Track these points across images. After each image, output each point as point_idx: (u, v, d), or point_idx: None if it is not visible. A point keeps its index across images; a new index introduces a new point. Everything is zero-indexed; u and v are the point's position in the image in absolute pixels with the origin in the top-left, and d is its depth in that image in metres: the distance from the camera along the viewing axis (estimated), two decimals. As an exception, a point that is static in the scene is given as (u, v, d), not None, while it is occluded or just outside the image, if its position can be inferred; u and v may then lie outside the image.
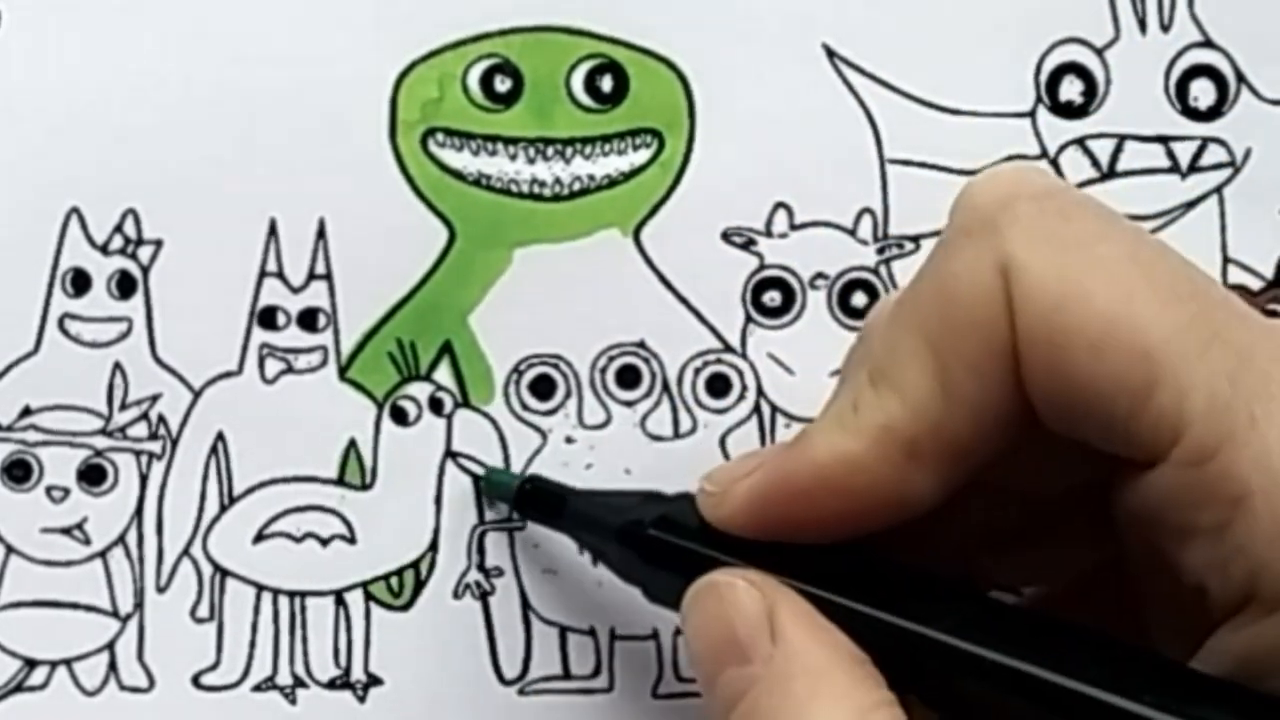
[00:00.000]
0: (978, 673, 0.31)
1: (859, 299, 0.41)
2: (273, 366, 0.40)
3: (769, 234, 0.41)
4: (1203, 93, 0.42)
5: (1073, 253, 0.30)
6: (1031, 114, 0.42)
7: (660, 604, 0.35)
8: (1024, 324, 0.30)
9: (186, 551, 0.40)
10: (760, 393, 0.41)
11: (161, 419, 0.40)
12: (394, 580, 0.40)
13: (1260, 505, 0.28)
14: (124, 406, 0.40)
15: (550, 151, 0.41)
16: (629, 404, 0.41)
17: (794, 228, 0.41)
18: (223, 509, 0.40)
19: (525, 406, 0.41)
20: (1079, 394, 0.30)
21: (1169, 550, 0.30)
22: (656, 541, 0.35)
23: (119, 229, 0.40)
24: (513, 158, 0.41)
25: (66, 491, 0.40)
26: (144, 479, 0.40)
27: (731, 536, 0.34)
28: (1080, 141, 0.42)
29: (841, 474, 0.32)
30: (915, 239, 0.41)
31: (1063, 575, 0.36)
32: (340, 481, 0.40)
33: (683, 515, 0.35)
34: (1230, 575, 0.29)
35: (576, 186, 0.41)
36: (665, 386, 0.41)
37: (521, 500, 0.39)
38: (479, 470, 0.40)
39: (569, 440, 0.41)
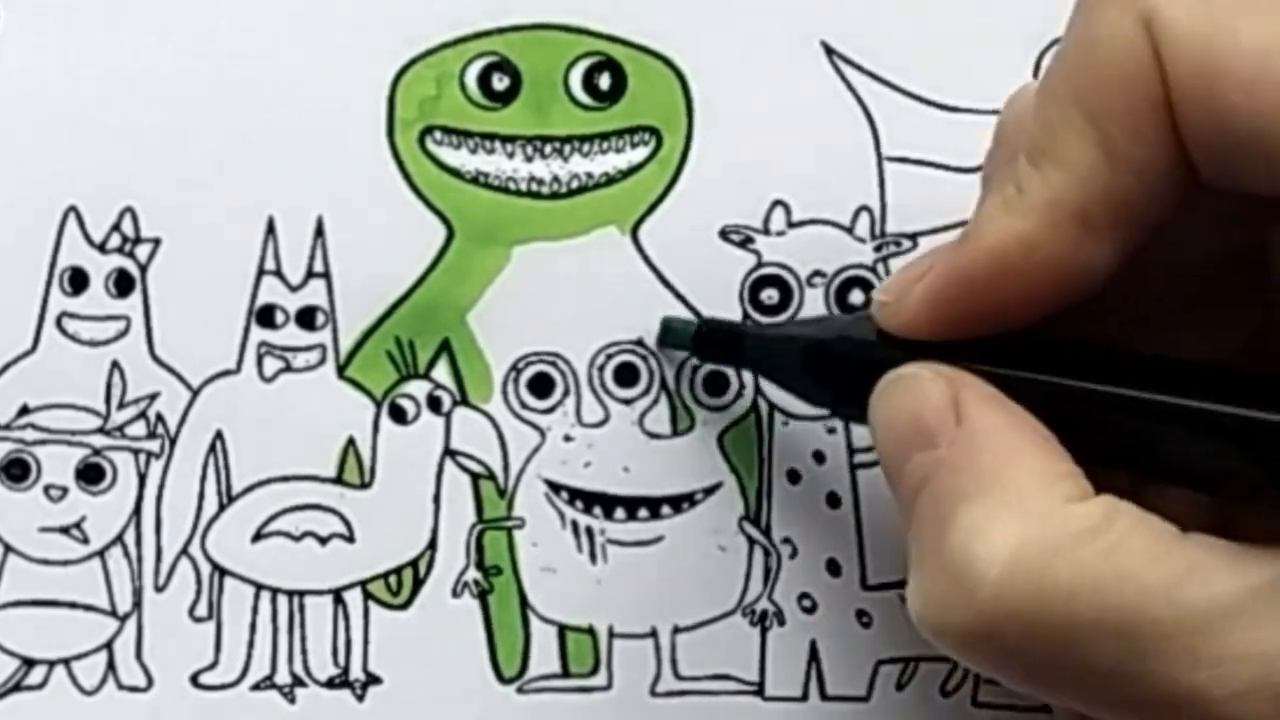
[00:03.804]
0: (1176, 420, 0.31)
1: (856, 296, 0.41)
2: (271, 365, 0.40)
3: (767, 232, 0.41)
4: (1200, 90, 0.42)
5: None
6: (1030, 111, 0.42)
7: (850, 420, 0.36)
8: (1174, 74, 0.30)
9: (185, 550, 0.40)
10: (758, 390, 0.41)
11: (160, 418, 0.40)
12: (393, 579, 0.40)
13: None
14: (122, 405, 0.40)
15: (548, 149, 0.41)
16: (627, 402, 0.41)
17: (792, 225, 0.41)
18: (221, 508, 0.40)
19: (524, 405, 0.41)
20: (1237, 137, 0.29)
21: None
22: (840, 359, 0.36)
23: (117, 227, 0.40)
24: (511, 156, 0.41)
25: (65, 490, 0.40)
26: (142, 478, 0.40)
27: (913, 341, 0.34)
28: (1078, 139, 0.42)
29: (1017, 255, 0.32)
30: (913, 237, 0.41)
31: (1221, 349, 0.36)
32: (339, 480, 0.40)
33: (862, 331, 0.35)
34: None
35: (574, 184, 0.41)
36: (663, 384, 0.41)
37: (700, 343, 0.40)
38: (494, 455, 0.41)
39: (567, 438, 0.41)
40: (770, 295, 0.41)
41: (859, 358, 0.35)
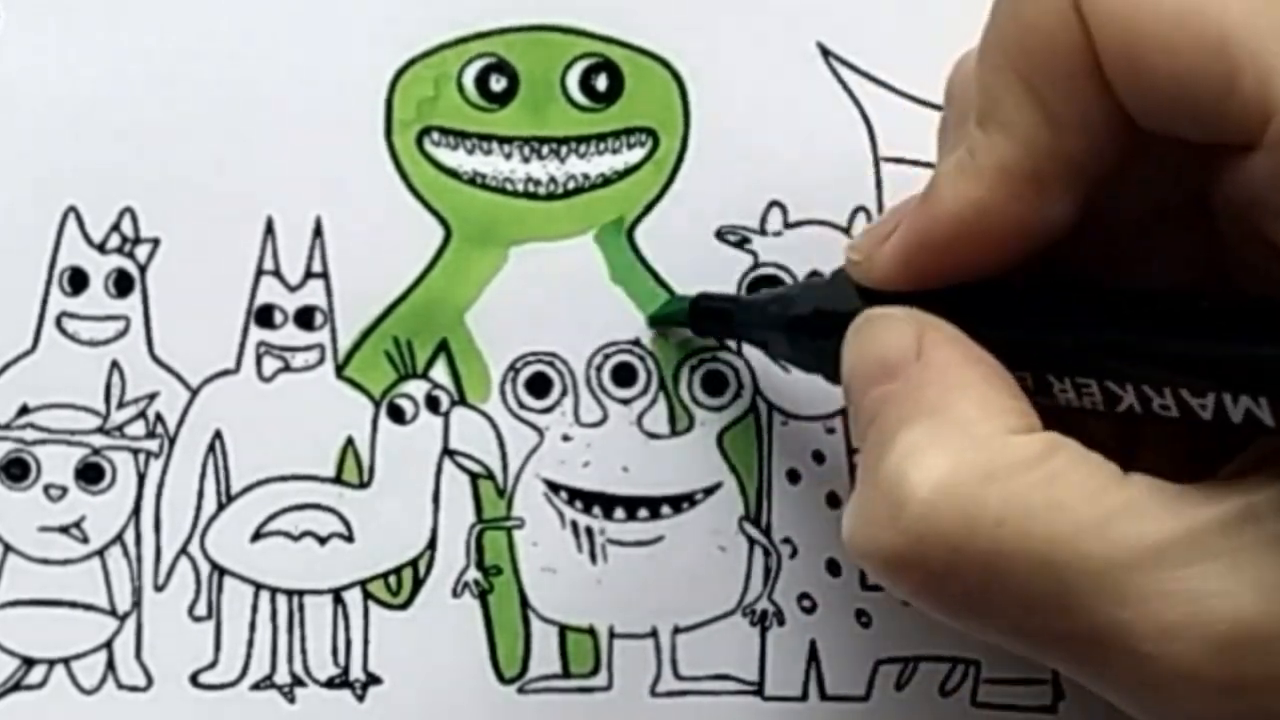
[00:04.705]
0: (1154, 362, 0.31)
1: (854, 298, 0.41)
2: (270, 365, 0.40)
3: (763, 232, 0.41)
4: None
5: None
6: (1024, 111, 0.42)
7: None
8: (1100, 38, 0.30)
9: (184, 550, 0.40)
10: (756, 390, 0.41)
11: (159, 417, 0.40)
12: (392, 578, 0.40)
13: None
14: (121, 405, 0.40)
15: (545, 150, 0.41)
16: (625, 402, 0.41)
17: (788, 226, 0.41)
18: (220, 507, 0.40)
19: (522, 404, 0.41)
20: (1163, 94, 0.30)
21: (1271, 231, 0.30)
22: (821, 322, 0.36)
23: (116, 228, 0.40)
24: (508, 156, 0.41)
25: (64, 490, 0.40)
26: (141, 477, 0.40)
27: (887, 294, 0.35)
28: (1073, 138, 0.42)
29: (974, 218, 0.33)
30: (910, 237, 0.41)
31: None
32: (338, 480, 0.40)
33: (840, 291, 0.36)
34: None
35: (571, 185, 0.41)
36: (661, 384, 0.41)
37: (696, 319, 0.40)
38: (478, 466, 0.41)
39: (565, 438, 0.41)
40: (768, 296, 0.41)
41: (841, 319, 0.35)
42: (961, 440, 0.31)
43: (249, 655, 0.40)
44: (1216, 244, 0.34)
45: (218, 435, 0.40)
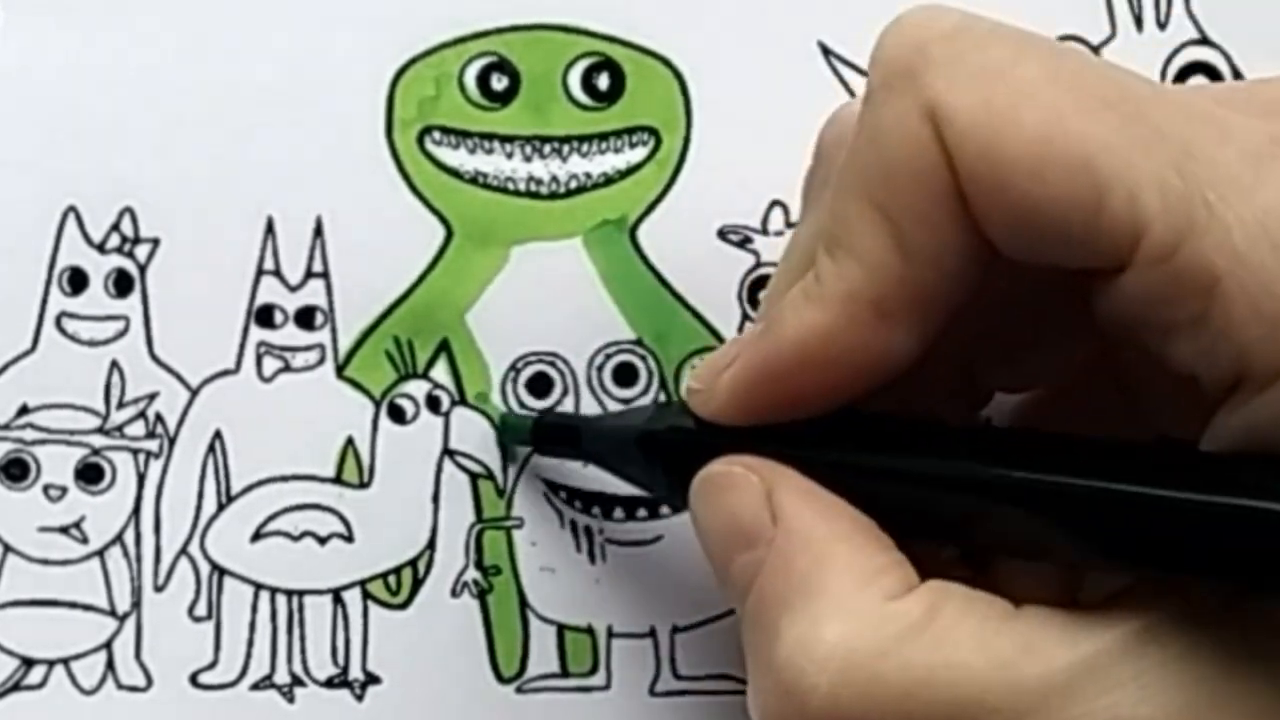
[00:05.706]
0: (989, 492, 0.31)
1: (855, 297, 0.41)
2: (270, 365, 0.40)
3: (765, 232, 0.41)
4: (1198, 90, 0.42)
5: (994, 84, 0.30)
6: (1027, 111, 0.42)
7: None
8: (962, 165, 0.30)
9: (184, 550, 0.40)
10: (757, 390, 0.41)
11: (159, 417, 0.40)
12: (392, 578, 0.40)
13: (1232, 288, 0.28)
14: (121, 405, 0.40)
15: (547, 149, 0.41)
16: (626, 402, 0.41)
17: (790, 225, 0.41)
18: (220, 507, 0.40)
19: (522, 404, 0.41)
20: (1031, 221, 0.29)
21: (1154, 346, 0.30)
22: (670, 448, 0.35)
23: (116, 227, 0.40)
24: (509, 156, 0.41)
25: (64, 490, 0.40)
26: (141, 478, 0.40)
27: (731, 428, 0.34)
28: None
29: (816, 347, 0.32)
30: (911, 237, 0.41)
31: (1059, 373, 0.36)
32: (338, 480, 0.40)
33: (686, 419, 0.35)
34: (1217, 361, 0.29)
35: (573, 184, 0.41)
36: (662, 384, 0.41)
37: (539, 438, 0.40)
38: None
39: (566, 438, 0.41)
40: (769, 295, 0.41)
41: (686, 446, 0.35)
42: (845, 621, 0.31)
43: (249, 655, 0.40)
44: (1096, 341, 0.33)
45: (218, 435, 0.40)
